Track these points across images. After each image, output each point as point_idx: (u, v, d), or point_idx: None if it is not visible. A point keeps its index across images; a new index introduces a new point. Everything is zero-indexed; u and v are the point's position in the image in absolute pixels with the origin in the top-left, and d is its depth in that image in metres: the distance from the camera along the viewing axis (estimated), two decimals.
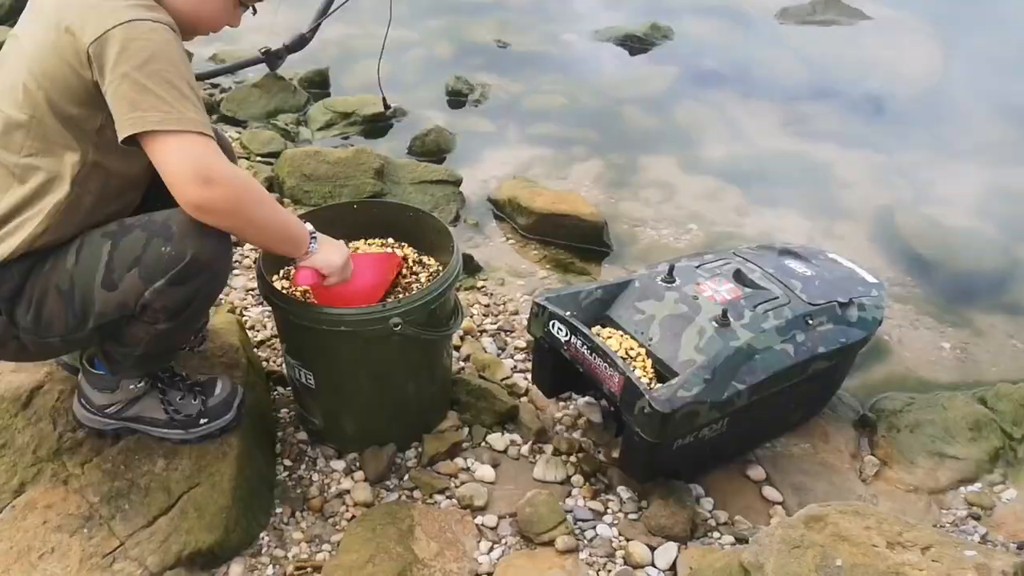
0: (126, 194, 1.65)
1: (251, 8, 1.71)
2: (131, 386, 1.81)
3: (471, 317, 2.68)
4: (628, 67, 4.74)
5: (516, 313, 2.75)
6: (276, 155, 3.52)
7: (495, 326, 2.67)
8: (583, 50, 4.92)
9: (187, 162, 1.41)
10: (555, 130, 4.03)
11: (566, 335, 2.04)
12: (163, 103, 1.39)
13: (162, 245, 1.53)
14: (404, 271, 2.12)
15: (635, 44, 4.94)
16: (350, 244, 2.16)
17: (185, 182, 1.42)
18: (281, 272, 2.10)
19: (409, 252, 2.17)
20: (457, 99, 4.28)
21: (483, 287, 2.89)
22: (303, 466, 2.08)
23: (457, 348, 2.51)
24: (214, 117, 3.92)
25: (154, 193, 1.66)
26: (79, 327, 1.59)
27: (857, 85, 4.58)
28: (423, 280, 2.11)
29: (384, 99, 3.68)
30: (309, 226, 1.74)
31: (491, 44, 4.89)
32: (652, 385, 1.97)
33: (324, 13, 2.51)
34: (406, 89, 4.31)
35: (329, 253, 1.74)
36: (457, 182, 3.45)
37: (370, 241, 2.22)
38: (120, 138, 1.41)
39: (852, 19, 5.33)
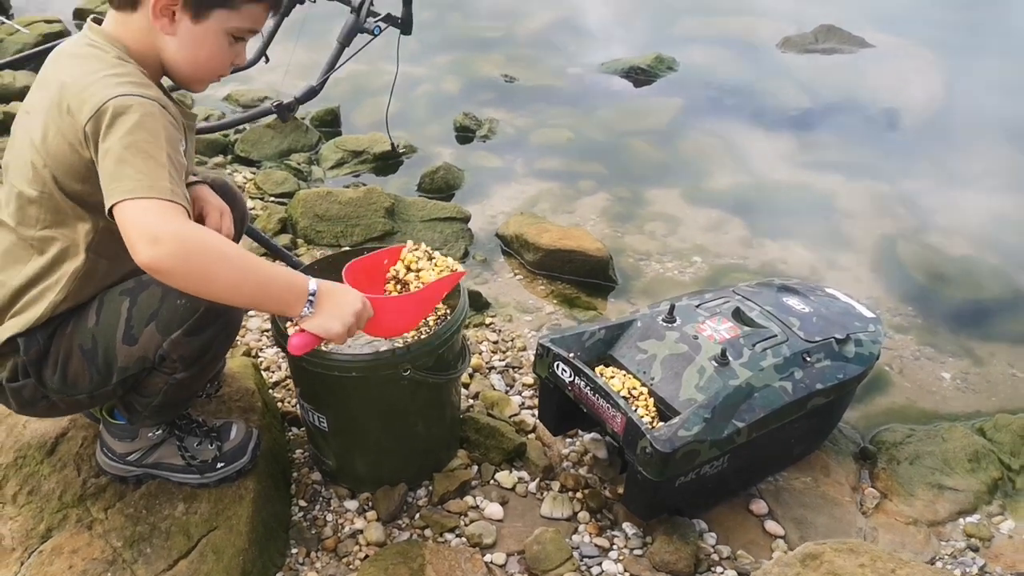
0: None
1: (264, 57, 1.76)
2: (150, 434, 1.89)
3: (480, 354, 2.75)
4: (633, 99, 4.83)
5: (524, 349, 2.82)
6: (290, 195, 3.61)
7: (503, 363, 2.74)
8: (589, 83, 5.00)
9: (139, 225, 1.40)
10: (562, 164, 4.11)
11: (570, 376, 2.11)
12: (137, 172, 1.42)
13: (177, 298, 1.61)
14: None
15: (640, 76, 5.03)
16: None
17: (133, 242, 1.40)
18: (294, 319, 2.17)
19: None
20: (465, 135, 4.37)
21: (491, 323, 2.96)
22: (317, 506, 2.15)
23: (466, 386, 2.58)
24: (228, 158, 4.03)
25: None
26: (104, 382, 1.67)
27: (859, 113, 4.66)
28: (431, 324, 2.18)
29: (393, 145, 3.78)
30: (314, 284, 1.56)
31: (498, 79, 4.99)
32: (654, 423, 2.03)
33: (333, 67, 2.60)
34: (415, 126, 4.41)
35: (328, 319, 1.57)
36: (466, 219, 3.53)
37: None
38: (106, 210, 1.43)
39: (854, 47, 5.41)
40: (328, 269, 2.05)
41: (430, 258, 2.06)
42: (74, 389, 1.68)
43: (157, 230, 1.39)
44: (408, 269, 2.04)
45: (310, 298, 1.55)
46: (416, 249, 2.06)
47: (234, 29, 1.63)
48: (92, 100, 1.46)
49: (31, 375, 1.66)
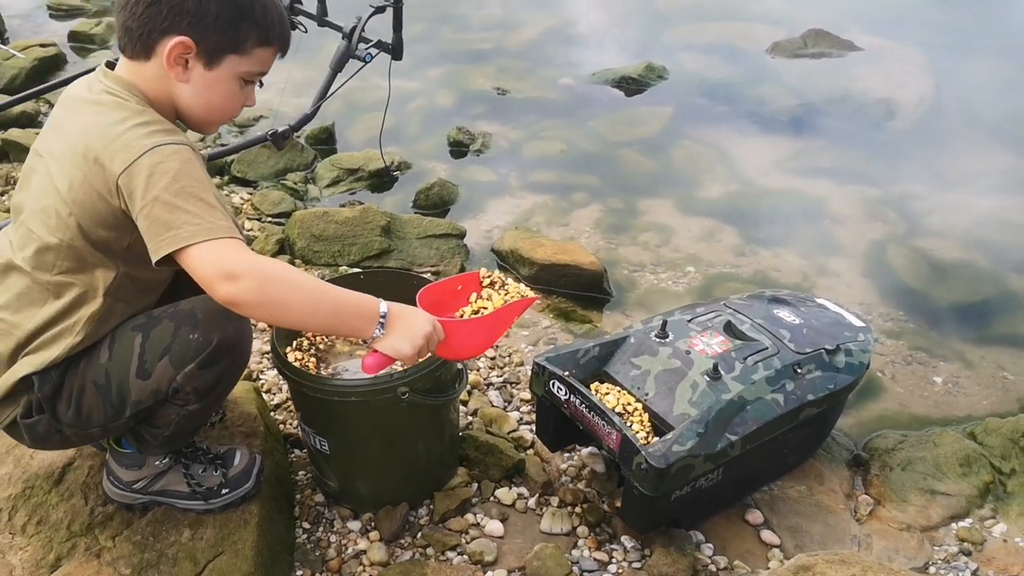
0: (154, 292, 1.77)
1: (258, 82, 1.80)
2: (156, 462, 1.93)
3: (477, 370, 2.80)
4: (625, 109, 4.87)
5: (521, 364, 2.86)
6: (287, 215, 3.65)
7: (501, 379, 2.78)
8: (580, 94, 5.05)
9: (213, 265, 1.47)
10: (555, 176, 4.16)
11: (565, 394, 2.15)
12: (194, 217, 1.47)
13: (190, 332, 1.65)
14: None
15: (631, 86, 5.07)
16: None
17: (210, 282, 1.47)
18: (294, 344, 2.21)
19: None
20: (459, 149, 4.42)
21: None
22: (321, 528, 2.19)
23: (464, 403, 2.62)
24: (225, 178, 4.07)
25: (179, 283, 1.79)
26: (117, 416, 1.71)
27: (849, 118, 4.71)
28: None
29: (386, 165, 3.83)
30: (384, 307, 1.61)
31: (490, 92, 5.03)
32: (649, 439, 2.07)
33: (326, 93, 2.65)
34: (409, 141, 4.45)
35: (399, 340, 1.61)
36: (461, 235, 3.57)
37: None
38: (155, 259, 1.48)
39: (843, 51, 5.46)
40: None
41: (503, 284, 2.09)
42: (88, 423, 1.71)
43: (232, 267, 1.46)
44: (480, 296, 2.08)
45: (381, 320, 1.60)
46: (489, 276, 2.10)
47: (245, 73, 1.68)
48: (125, 152, 1.50)
49: (45, 411, 1.69)
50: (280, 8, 1.69)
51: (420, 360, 1.70)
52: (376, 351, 1.64)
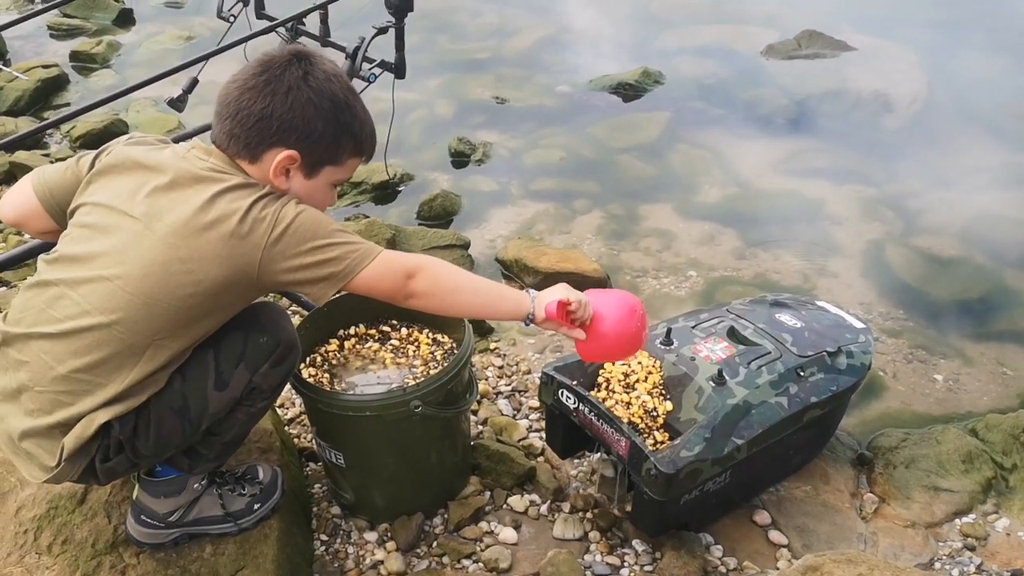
0: None
1: None
2: (195, 485, 1.95)
3: (486, 380, 2.84)
4: (623, 115, 4.91)
5: (529, 372, 2.91)
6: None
7: (509, 387, 2.83)
8: (578, 101, 5.09)
9: (388, 276, 1.66)
10: (556, 184, 4.20)
11: (574, 403, 2.20)
12: (350, 246, 1.62)
13: (259, 336, 1.74)
14: (425, 352, 2.27)
15: (628, 92, 5.11)
16: (381, 328, 2.35)
17: (395, 291, 1.67)
18: (307, 360, 2.26)
19: (423, 338, 2.32)
20: (460, 159, 4.46)
21: (496, 348, 3.05)
22: (338, 540, 2.23)
23: (475, 412, 2.67)
24: None
25: None
26: (194, 432, 1.75)
27: (845, 118, 4.76)
28: (438, 358, 2.27)
29: (390, 178, 3.90)
30: (531, 291, 1.82)
31: (490, 101, 5.08)
32: (661, 440, 2.12)
33: None
34: (410, 152, 4.50)
35: (552, 291, 1.78)
36: (465, 245, 3.62)
37: (392, 322, 2.37)
38: (326, 299, 1.64)
39: (836, 51, 5.50)
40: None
41: None
42: (167, 448, 1.75)
43: (404, 268, 1.68)
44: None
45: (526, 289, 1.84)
46: None
47: (337, 181, 1.79)
48: (263, 223, 1.58)
49: (125, 449, 1.69)
50: (371, 120, 1.79)
51: (580, 308, 1.79)
52: (544, 307, 1.76)
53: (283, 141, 1.65)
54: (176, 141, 1.78)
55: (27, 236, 3.22)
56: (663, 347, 2.29)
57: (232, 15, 3.16)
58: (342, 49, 2.79)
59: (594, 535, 2.27)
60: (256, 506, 2.02)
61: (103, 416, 1.61)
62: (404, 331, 2.34)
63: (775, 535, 2.28)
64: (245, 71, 1.68)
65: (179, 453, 1.84)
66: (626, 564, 2.19)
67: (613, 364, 2.23)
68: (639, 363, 2.23)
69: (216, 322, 1.68)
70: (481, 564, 2.17)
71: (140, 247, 1.58)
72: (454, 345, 2.30)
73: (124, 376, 1.61)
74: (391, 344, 2.30)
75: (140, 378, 1.62)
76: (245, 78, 1.67)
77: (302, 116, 1.66)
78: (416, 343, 2.29)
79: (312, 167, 1.71)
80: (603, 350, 1.87)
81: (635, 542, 2.25)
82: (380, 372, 2.22)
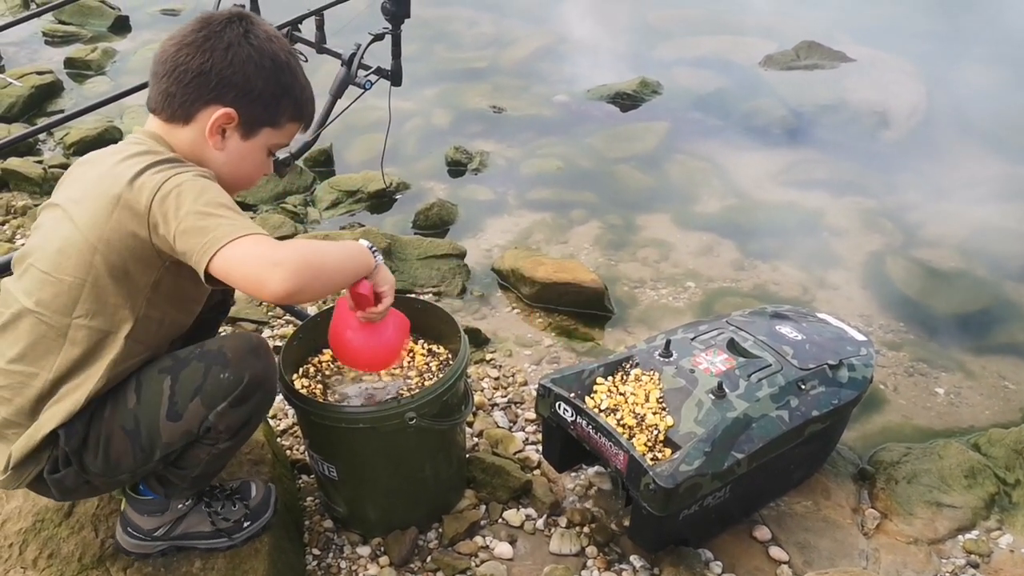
0: (174, 334, 1.77)
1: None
2: (179, 505, 1.91)
3: (482, 391, 2.81)
4: (621, 125, 4.89)
5: (525, 384, 2.87)
6: (287, 239, 3.66)
7: (505, 399, 2.79)
8: (576, 111, 5.07)
9: (254, 258, 1.48)
10: (553, 194, 4.17)
11: (572, 415, 2.16)
12: (228, 221, 1.49)
13: (220, 372, 1.66)
14: (421, 363, 2.24)
15: (626, 101, 5.09)
16: None
17: (257, 274, 1.48)
18: (300, 371, 2.22)
19: (418, 348, 2.28)
20: (457, 168, 4.43)
21: (492, 359, 3.01)
22: (331, 554, 2.19)
23: (470, 424, 2.63)
24: None
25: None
26: (147, 460, 1.70)
27: (843, 129, 4.74)
28: (434, 368, 2.23)
29: (386, 187, 3.87)
30: (363, 240, 1.76)
31: (486, 110, 5.05)
32: (659, 452, 2.08)
33: (325, 120, 2.67)
34: (407, 161, 4.47)
35: (387, 271, 1.78)
36: (461, 255, 3.58)
37: None
38: (202, 272, 1.49)
39: (835, 62, 5.49)
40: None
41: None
42: (117, 470, 1.70)
43: (272, 257, 1.48)
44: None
45: (370, 248, 1.75)
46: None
47: (274, 145, 1.75)
48: (151, 182, 1.53)
49: (73, 463, 1.67)
50: (311, 87, 1.76)
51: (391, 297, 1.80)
52: (365, 280, 1.74)
53: (220, 98, 1.63)
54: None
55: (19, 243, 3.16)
56: (662, 359, 2.25)
57: None
58: (338, 56, 2.76)
59: (591, 550, 2.23)
60: (246, 524, 1.97)
61: (50, 423, 1.62)
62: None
63: (775, 551, 2.24)
64: (183, 29, 1.66)
65: (152, 478, 1.82)
66: None
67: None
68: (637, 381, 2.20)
69: (132, 301, 1.61)
70: None
71: (59, 230, 1.62)
72: (450, 356, 2.26)
73: (52, 361, 1.62)
74: None
75: (68, 365, 1.62)
76: (183, 35, 1.64)
77: (242, 73, 1.63)
78: (411, 354, 2.26)
79: (250, 127, 1.68)
80: (369, 350, 1.93)
81: (633, 558, 2.21)
82: (374, 383, 2.18)
